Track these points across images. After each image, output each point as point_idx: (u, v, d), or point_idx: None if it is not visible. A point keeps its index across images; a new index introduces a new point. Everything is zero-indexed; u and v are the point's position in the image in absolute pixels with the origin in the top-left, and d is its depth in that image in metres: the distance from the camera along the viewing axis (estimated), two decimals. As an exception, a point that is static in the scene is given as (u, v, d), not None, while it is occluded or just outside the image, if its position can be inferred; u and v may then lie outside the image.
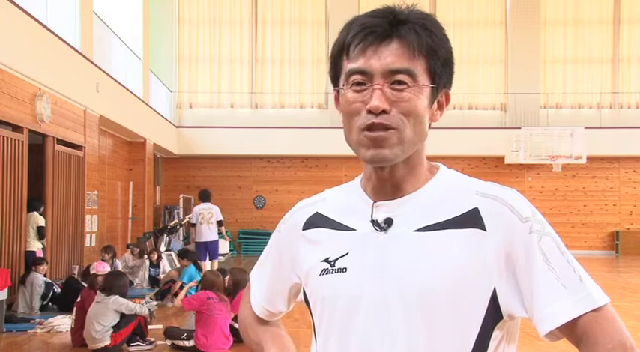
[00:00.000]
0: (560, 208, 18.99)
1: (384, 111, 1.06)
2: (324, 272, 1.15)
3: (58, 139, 9.87)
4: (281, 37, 19.33)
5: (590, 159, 18.04)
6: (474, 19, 19.36)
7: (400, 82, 1.07)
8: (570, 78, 19.35)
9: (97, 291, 6.41)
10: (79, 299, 6.72)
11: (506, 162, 18.35)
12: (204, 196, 11.15)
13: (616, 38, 19.38)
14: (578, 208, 19.12)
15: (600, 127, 18.33)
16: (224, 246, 10.49)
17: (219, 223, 11.05)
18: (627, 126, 18.46)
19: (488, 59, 19.36)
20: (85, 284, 7.58)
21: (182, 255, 9.74)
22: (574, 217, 19.09)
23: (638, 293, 10.74)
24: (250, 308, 1.35)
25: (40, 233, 8.96)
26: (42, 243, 9.06)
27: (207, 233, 10.91)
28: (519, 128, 18.04)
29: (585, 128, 17.85)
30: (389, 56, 1.07)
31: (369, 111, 1.07)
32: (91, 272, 7.68)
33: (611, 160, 18.99)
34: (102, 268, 7.46)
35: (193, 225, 11.03)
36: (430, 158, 1.22)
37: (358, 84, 1.09)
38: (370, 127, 1.07)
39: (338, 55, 1.13)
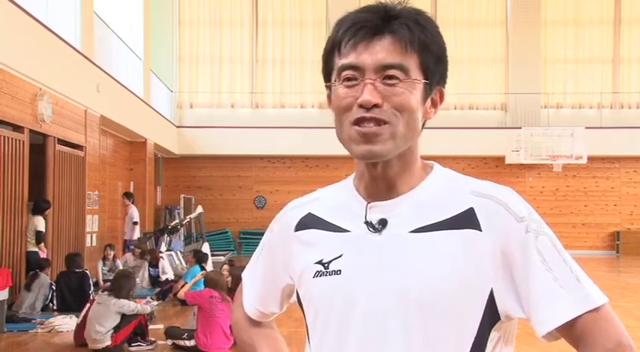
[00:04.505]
0: (560, 208, 18.98)
1: (375, 106, 1.05)
2: (318, 274, 1.12)
3: (58, 139, 9.87)
4: (281, 37, 19.32)
5: (590, 159, 18.02)
6: (475, 18, 19.35)
7: (392, 77, 1.06)
8: (571, 78, 19.33)
9: (99, 292, 6.41)
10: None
11: (507, 162, 18.33)
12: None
13: (616, 38, 19.37)
14: (579, 208, 19.10)
15: (601, 127, 18.31)
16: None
17: None
18: (628, 126, 18.43)
19: (488, 59, 19.34)
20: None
21: (192, 254, 10.13)
22: (575, 217, 19.07)
23: (638, 293, 10.73)
24: (243, 310, 1.33)
25: (38, 237, 8.82)
26: (39, 248, 8.88)
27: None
28: (520, 128, 18.02)
29: (586, 128, 17.82)
30: (381, 51, 1.06)
31: (360, 106, 1.05)
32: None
33: (611, 160, 18.97)
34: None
35: (136, 223, 12.95)
36: (431, 158, 1.22)
37: (349, 79, 1.08)
38: (361, 121, 1.06)
39: (330, 51, 1.13)
